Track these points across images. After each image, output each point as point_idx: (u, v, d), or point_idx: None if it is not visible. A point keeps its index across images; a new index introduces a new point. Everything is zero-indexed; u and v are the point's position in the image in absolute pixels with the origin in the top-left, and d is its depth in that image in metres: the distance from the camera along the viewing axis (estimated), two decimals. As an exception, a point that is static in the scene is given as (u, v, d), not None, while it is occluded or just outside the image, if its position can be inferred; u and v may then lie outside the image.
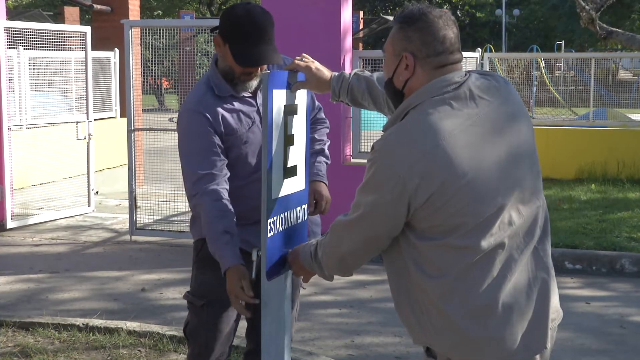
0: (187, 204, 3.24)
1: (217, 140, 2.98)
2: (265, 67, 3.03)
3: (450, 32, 2.27)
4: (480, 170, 2.18)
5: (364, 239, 2.33)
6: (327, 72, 2.73)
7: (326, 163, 3.30)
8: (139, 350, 4.82)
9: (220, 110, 3.00)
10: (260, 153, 3.02)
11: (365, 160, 8.15)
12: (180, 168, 3.05)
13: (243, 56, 2.93)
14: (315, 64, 2.72)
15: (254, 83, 3.04)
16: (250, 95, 3.08)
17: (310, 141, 3.10)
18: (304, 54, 2.77)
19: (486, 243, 2.19)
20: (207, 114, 2.97)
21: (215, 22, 3.15)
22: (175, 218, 8.77)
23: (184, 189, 3.07)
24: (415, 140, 2.18)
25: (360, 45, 30.60)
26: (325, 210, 3.15)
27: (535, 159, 2.34)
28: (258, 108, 3.08)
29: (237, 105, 3.05)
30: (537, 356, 2.29)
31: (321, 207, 3.13)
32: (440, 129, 2.17)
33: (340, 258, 2.43)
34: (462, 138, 2.18)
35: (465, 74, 2.29)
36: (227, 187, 2.98)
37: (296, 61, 2.72)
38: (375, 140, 2.27)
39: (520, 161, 2.28)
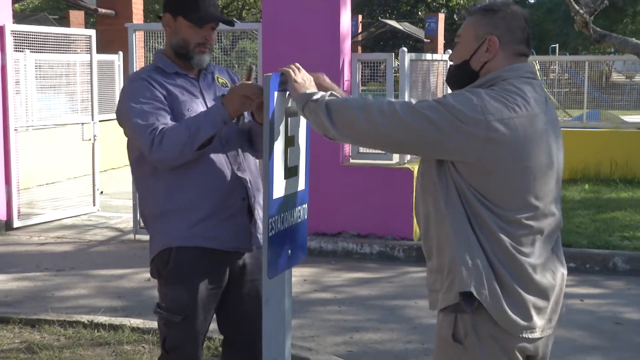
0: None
1: (164, 100, 2.96)
2: (214, 39, 3.08)
3: (526, 26, 2.44)
4: (543, 161, 2.34)
5: (404, 129, 2.29)
6: (300, 90, 2.56)
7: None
8: (142, 347, 4.82)
9: (162, 80, 3.00)
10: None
11: (364, 161, 8.15)
12: (132, 132, 2.96)
13: (200, 17, 2.98)
14: (298, 76, 2.60)
15: (206, 58, 3.07)
16: (194, 77, 3.09)
17: None
18: (296, 64, 2.68)
19: (534, 224, 2.33)
20: (152, 81, 2.98)
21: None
22: (178, 217, 8.76)
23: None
24: (509, 100, 2.28)
25: (359, 48, 30.63)
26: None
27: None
28: (201, 89, 3.08)
29: (180, 81, 3.05)
30: (540, 343, 2.41)
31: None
32: (532, 103, 2.32)
33: (358, 129, 2.36)
34: (542, 123, 2.34)
35: None
36: None
37: (286, 68, 2.63)
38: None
39: (560, 164, 2.45)
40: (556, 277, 2.41)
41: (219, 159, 2.98)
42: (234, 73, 3.31)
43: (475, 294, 2.28)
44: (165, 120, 2.91)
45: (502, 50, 2.39)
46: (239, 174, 3.03)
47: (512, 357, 2.35)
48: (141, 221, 8.26)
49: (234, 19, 3.10)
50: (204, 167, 2.95)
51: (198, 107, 3.02)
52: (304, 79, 2.60)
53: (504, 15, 2.41)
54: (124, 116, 2.99)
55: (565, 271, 2.47)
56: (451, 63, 2.52)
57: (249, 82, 2.95)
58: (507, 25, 2.40)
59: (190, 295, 2.98)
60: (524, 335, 2.33)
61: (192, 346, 3.05)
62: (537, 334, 2.36)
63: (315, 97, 2.46)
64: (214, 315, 3.18)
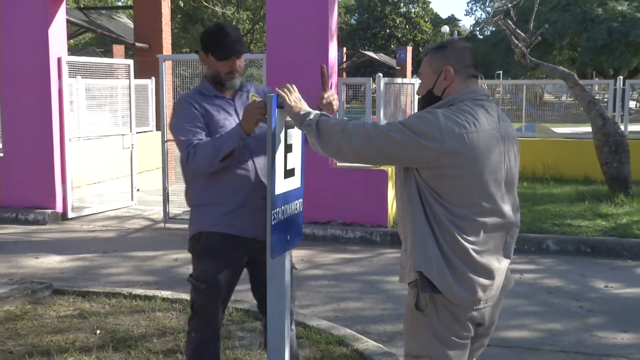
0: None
1: (201, 119, 2.99)
2: (242, 64, 3.05)
3: (472, 53, 2.43)
4: (491, 168, 2.29)
5: (375, 149, 2.28)
6: (295, 111, 2.53)
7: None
8: (171, 313, 4.81)
9: (202, 102, 3.03)
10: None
11: (348, 165, 8.13)
12: (177, 145, 3.02)
13: (223, 52, 2.99)
14: (290, 100, 2.55)
15: (237, 82, 3.07)
16: (230, 97, 3.09)
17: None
18: (291, 84, 2.65)
19: (479, 219, 2.29)
20: (194, 103, 3.02)
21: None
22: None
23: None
24: (460, 119, 2.25)
25: (344, 73, 30.64)
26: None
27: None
28: (235, 107, 3.08)
29: (217, 102, 3.06)
30: (486, 312, 2.40)
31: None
32: (482, 122, 2.29)
33: (341, 149, 2.35)
34: (490, 137, 2.29)
35: None
36: None
37: (281, 91, 2.59)
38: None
39: (513, 176, 2.43)
40: (501, 262, 2.39)
41: (246, 165, 2.99)
42: (270, 91, 3.19)
43: (425, 273, 2.28)
44: (201, 137, 2.93)
45: (456, 76, 2.38)
46: (261, 177, 3.03)
47: (464, 324, 2.34)
48: (170, 212, 8.28)
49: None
50: (233, 171, 2.97)
51: (231, 123, 3.01)
52: (295, 100, 2.57)
53: (452, 48, 2.41)
54: (172, 131, 3.05)
55: (509, 260, 2.45)
56: (418, 96, 2.48)
57: (258, 100, 2.91)
58: (457, 56, 2.39)
59: (214, 269, 3.01)
60: (472, 307, 2.33)
61: (213, 309, 3.07)
62: (481, 306, 2.35)
63: (307, 120, 2.45)
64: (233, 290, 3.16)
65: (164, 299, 5.07)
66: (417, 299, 2.34)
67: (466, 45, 2.44)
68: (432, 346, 2.33)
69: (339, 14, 33.58)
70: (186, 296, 5.14)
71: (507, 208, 2.37)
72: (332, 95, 2.87)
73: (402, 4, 52.86)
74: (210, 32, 3.05)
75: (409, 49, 32.13)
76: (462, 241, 2.27)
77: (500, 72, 33.41)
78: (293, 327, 3.24)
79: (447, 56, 2.40)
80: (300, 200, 2.87)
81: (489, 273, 2.33)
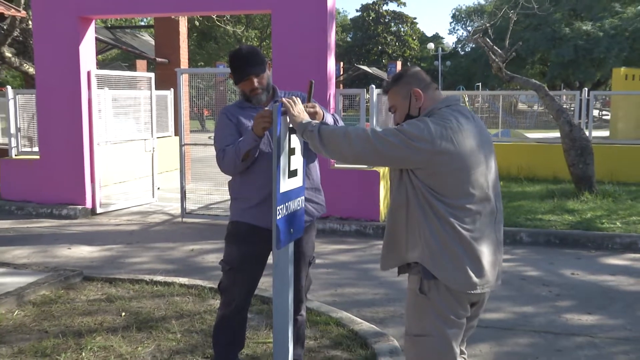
0: (222, 196, 3.20)
1: (235, 128, 3.03)
2: (263, 80, 3.03)
3: (424, 71, 2.47)
4: (476, 161, 2.29)
5: (374, 152, 2.27)
6: (297, 120, 2.54)
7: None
8: (187, 298, 4.81)
9: (237, 113, 3.07)
10: (264, 146, 2.99)
11: (345, 166, 8.11)
12: (216, 158, 3.06)
13: (236, 76, 3.02)
14: (294, 110, 2.56)
15: (262, 97, 3.07)
16: (262, 107, 3.09)
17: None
18: (295, 98, 2.65)
19: (473, 207, 2.29)
20: (229, 114, 3.07)
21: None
22: (213, 206, 8.74)
23: (220, 186, 3.07)
24: (445, 122, 2.26)
25: (341, 85, 30.63)
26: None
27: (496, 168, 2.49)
28: None
29: (250, 112, 3.07)
30: (486, 293, 2.42)
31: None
32: (463, 122, 2.29)
33: (343, 152, 2.35)
34: (470, 134, 2.30)
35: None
36: None
37: (286, 102, 2.60)
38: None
39: (492, 166, 2.42)
40: (493, 248, 2.38)
41: (269, 166, 3.00)
42: (300, 96, 3.15)
43: (425, 266, 2.28)
44: (230, 144, 2.98)
45: (424, 92, 2.40)
46: None
47: (463, 305, 2.35)
48: (186, 208, 8.27)
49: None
50: (259, 172, 3.00)
51: None
52: (299, 111, 2.58)
53: (408, 74, 2.43)
54: (213, 139, 3.11)
55: (501, 247, 2.44)
56: (398, 124, 2.43)
57: (267, 109, 2.92)
58: (415, 78, 2.42)
59: (238, 254, 3.05)
60: (469, 292, 2.32)
61: (235, 290, 3.08)
62: (478, 290, 2.33)
63: (310, 127, 2.46)
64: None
65: (181, 285, 5.08)
66: (421, 283, 2.35)
67: (416, 68, 2.49)
68: (433, 326, 2.33)
69: (337, 32, 33.62)
70: (201, 282, 5.15)
71: (492, 193, 2.38)
72: (313, 107, 2.79)
73: (392, 24, 52.92)
74: (230, 57, 3.05)
75: (399, 63, 32.17)
76: (462, 230, 2.26)
77: (480, 84, 33.42)
78: (304, 312, 3.24)
79: (409, 81, 2.41)
80: (302, 197, 2.87)
81: (482, 259, 2.32)
